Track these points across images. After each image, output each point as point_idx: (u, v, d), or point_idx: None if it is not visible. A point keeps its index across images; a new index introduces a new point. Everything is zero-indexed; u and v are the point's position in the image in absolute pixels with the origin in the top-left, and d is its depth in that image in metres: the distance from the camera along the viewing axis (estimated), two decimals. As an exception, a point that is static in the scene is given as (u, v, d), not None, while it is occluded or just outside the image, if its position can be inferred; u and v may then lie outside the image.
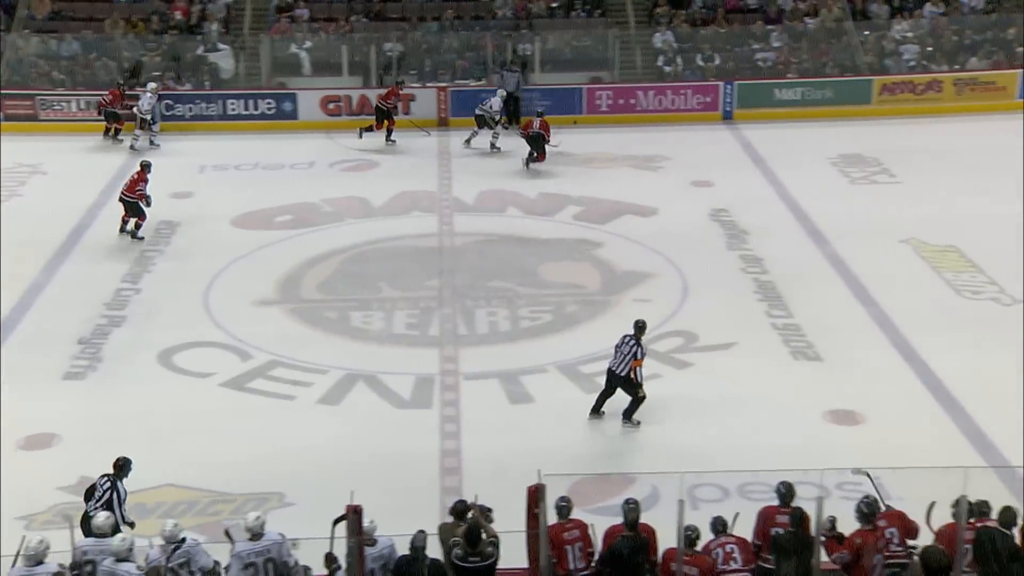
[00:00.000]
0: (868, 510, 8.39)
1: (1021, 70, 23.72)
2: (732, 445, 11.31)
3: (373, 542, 8.27)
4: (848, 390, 12.41)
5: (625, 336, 11.95)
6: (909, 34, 24.90)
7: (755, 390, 12.60)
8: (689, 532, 8.25)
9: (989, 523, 8.29)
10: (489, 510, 8.85)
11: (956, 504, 8.16)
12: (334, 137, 22.75)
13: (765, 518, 8.73)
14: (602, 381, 12.07)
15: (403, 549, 8.27)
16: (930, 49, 24.57)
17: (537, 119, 20.64)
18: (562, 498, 8.60)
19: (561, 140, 20.83)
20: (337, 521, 8.28)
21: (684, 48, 24.76)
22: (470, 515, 8.67)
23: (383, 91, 22.68)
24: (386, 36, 24.92)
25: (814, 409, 12.17)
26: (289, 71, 24.83)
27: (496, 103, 21.95)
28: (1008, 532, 8.24)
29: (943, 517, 8.39)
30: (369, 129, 22.16)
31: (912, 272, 15.89)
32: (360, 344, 14.21)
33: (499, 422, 12.18)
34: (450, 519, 8.93)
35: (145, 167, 17.76)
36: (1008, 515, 8.33)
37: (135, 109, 22.12)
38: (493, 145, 21.77)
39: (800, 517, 8.42)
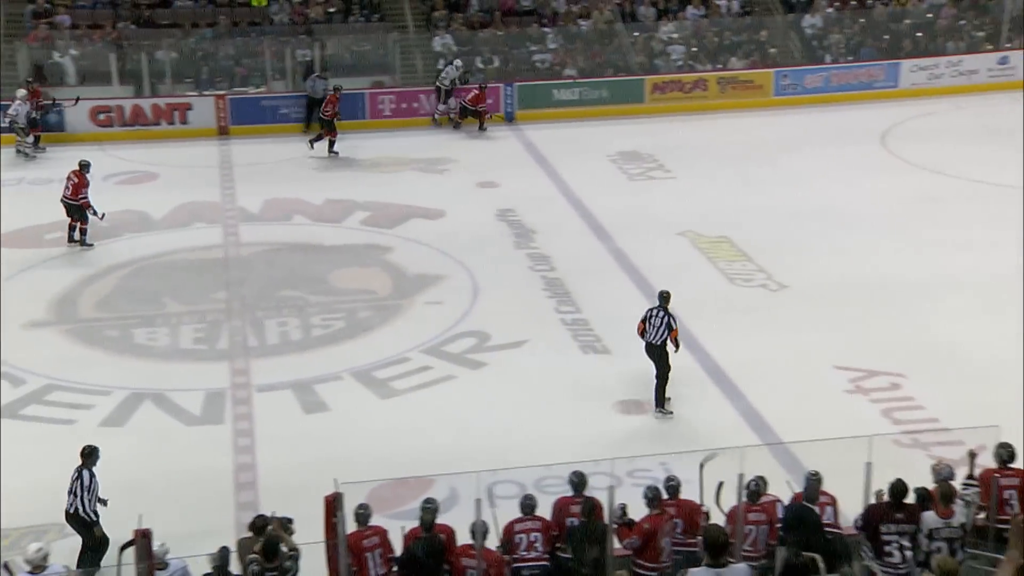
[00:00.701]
0: (652, 495, 8.71)
1: (775, 69, 25.21)
2: (528, 440, 11.54)
3: (164, 565, 8.02)
4: (635, 381, 12.86)
5: (652, 309, 12.27)
6: (675, 35, 26.04)
7: (548, 385, 12.91)
8: (481, 525, 8.31)
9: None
10: (290, 521, 8.72)
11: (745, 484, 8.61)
12: (106, 149, 21.85)
13: (559, 508, 8.95)
14: (398, 385, 12.01)
15: (202, 569, 8.05)
16: (695, 50, 25.77)
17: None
18: (361, 505, 8.56)
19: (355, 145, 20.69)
20: (124, 547, 7.98)
21: (463, 51, 25.05)
22: (269, 528, 8.52)
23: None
24: (157, 44, 24.11)
25: (605, 400, 12.56)
26: (53, 80, 23.65)
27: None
28: (812, 507, 8.76)
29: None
30: (319, 138, 21.67)
31: (689, 263, 16.61)
32: (145, 362, 13.72)
33: (294, 433, 12.01)
34: (249, 534, 8.76)
35: (84, 167, 17.20)
36: (812, 490, 8.84)
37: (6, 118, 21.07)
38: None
39: (592, 506, 8.67)
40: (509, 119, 24.01)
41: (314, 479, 9.03)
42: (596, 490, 8.92)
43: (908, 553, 8.50)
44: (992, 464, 9.14)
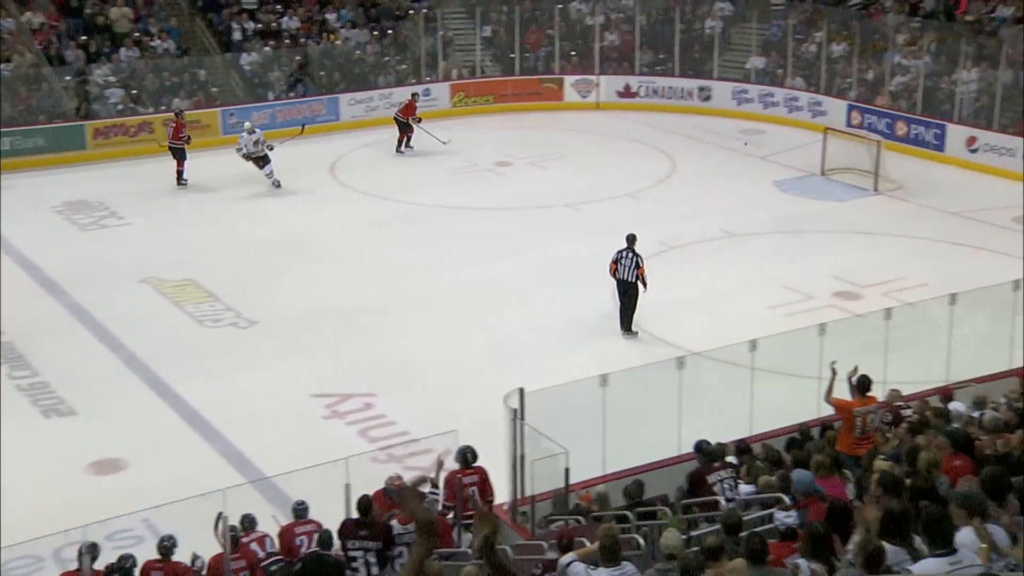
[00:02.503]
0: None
1: (221, 108, 25.30)
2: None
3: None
4: (108, 438, 12.28)
5: (621, 251, 14.65)
6: (111, 78, 25.15)
7: (11, 456, 11.89)
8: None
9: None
10: None
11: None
12: None
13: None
14: None
15: None
16: (135, 92, 25.08)
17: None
18: None
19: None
20: None
21: None
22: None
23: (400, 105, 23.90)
24: None
25: (75, 463, 11.86)
26: None
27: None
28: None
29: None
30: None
31: (154, 310, 16.17)
32: None
33: None
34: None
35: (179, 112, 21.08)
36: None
37: None
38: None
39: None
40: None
41: None
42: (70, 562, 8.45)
43: (375, 570, 8.95)
44: (457, 466, 9.94)
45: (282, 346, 14.95)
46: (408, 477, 10.03)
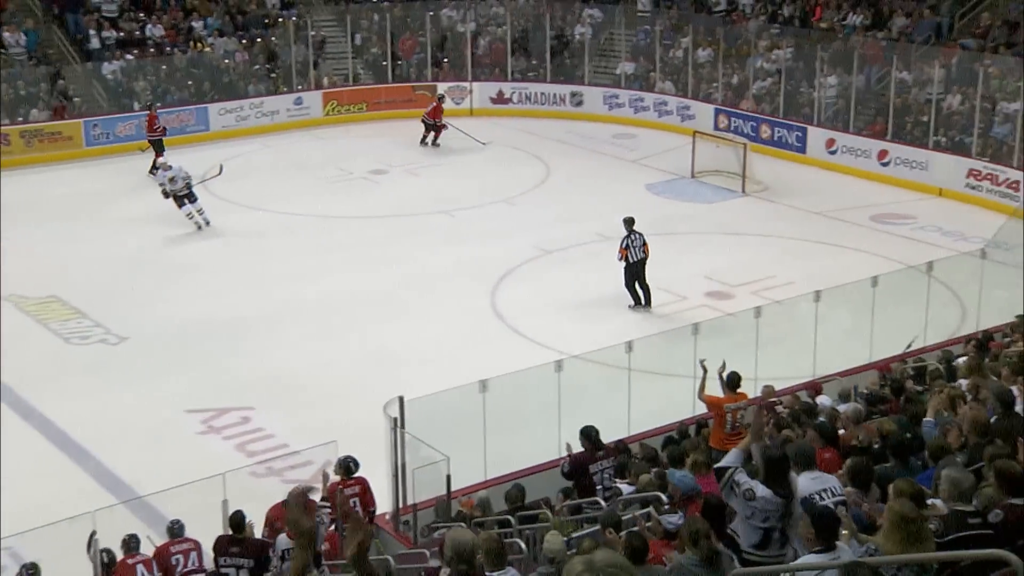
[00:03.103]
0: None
1: (84, 119, 24.55)
2: None
3: None
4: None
5: (629, 236, 15.94)
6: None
7: None
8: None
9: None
10: None
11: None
12: None
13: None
14: None
15: None
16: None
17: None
18: None
19: None
20: None
21: None
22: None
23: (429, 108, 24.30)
24: None
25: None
26: None
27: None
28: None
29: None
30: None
31: (17, 329, 15.59)
32: None
33: None
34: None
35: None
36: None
37: None
38: None
39: None
40: None
41: None
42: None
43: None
44: (338, 477, 9.85)
45: (154, 362, 14.59)
46: (291, 489, 9.88)
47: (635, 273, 16.17)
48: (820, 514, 5.55)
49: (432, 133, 25.16)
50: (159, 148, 22.29)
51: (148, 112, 23.08)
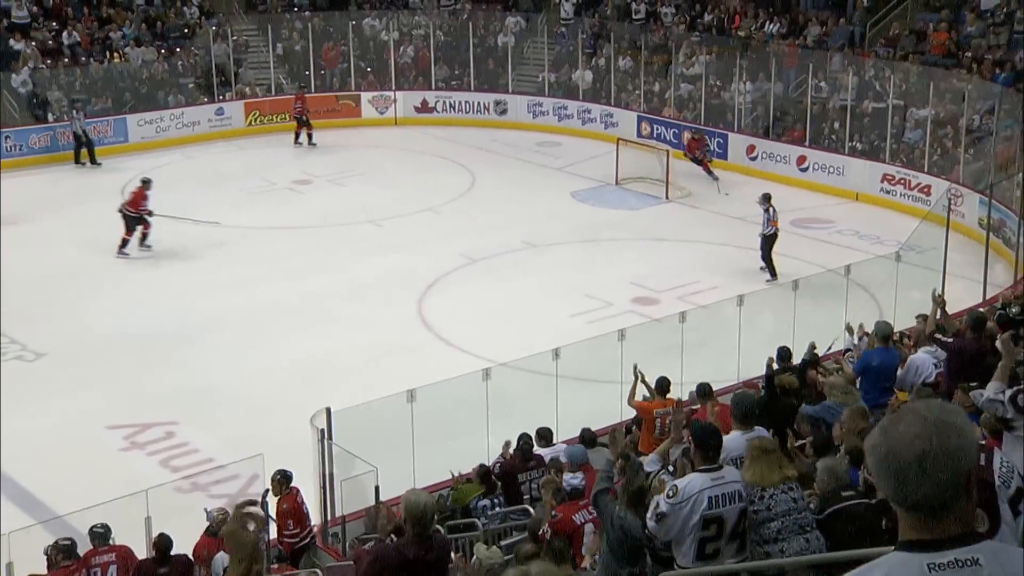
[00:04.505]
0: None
1: (-2, 130, 23.99)
2: None
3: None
4: None
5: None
6: None
7: None
8: None
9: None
10: None
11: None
12: None
13: None
14: None
15: None
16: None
17: None
18: None
19: None
20: None
21: None
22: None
23: None
24: None
25: None
26: None
27: None
28: None
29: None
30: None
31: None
32: None
33: None
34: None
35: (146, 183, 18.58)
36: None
37: None
38: None
39: None
40: None
41: None
42: None
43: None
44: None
45: (73, 378, 14.28)
46: (216, 504, 9.72)
47: (772, 245, 17.40)
48: (703, 429, 6.09)
49: (305, 129, 25.39)
50: (132, 226, 18.91)
51: (138, 188, 19.41)
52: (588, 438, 10.36)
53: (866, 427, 7.01)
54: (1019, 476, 5.09)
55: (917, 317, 11.88)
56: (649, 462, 7.74)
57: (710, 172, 22.84)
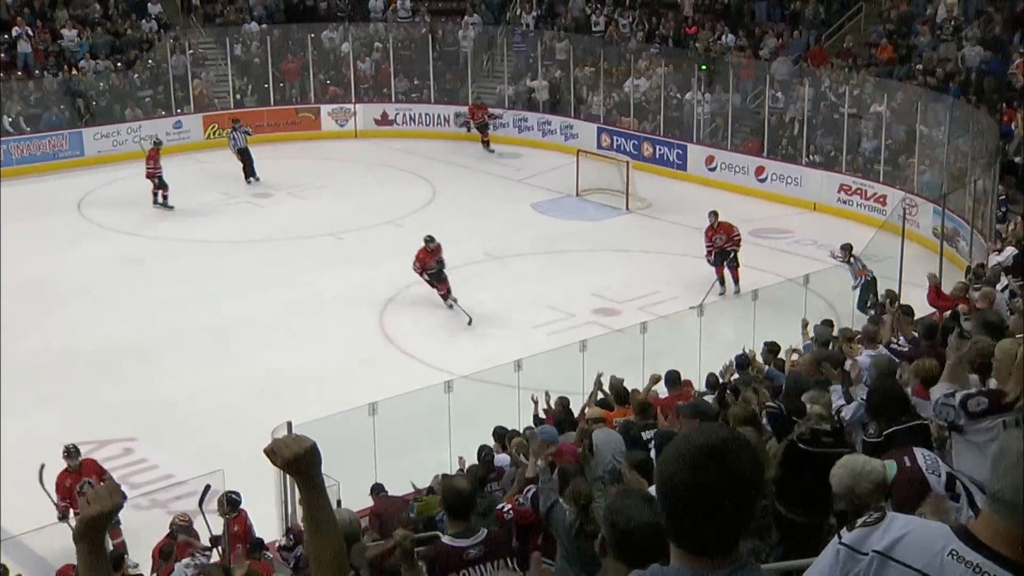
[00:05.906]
0: None
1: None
2: None
3: None
4: None
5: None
6: None
7: None
8: None
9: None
10: None
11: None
12: None
13: None
14: None
15: None
16: None
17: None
18: None
19: None
20: None
21: None
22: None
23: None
24: None
25: None
26: None
27: None
28: None
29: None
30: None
31: None
32: None
33: None
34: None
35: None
36: None
37: None
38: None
39: None
40: None
41: None
42: None
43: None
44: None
45: (28, 395, 14.06)
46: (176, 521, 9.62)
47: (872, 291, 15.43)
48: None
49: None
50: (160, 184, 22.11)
51: (150, 149, 22.29)
52: (500, 434, 10.31)
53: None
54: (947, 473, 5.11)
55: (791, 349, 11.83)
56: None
57: (487, 144, 25.43)
